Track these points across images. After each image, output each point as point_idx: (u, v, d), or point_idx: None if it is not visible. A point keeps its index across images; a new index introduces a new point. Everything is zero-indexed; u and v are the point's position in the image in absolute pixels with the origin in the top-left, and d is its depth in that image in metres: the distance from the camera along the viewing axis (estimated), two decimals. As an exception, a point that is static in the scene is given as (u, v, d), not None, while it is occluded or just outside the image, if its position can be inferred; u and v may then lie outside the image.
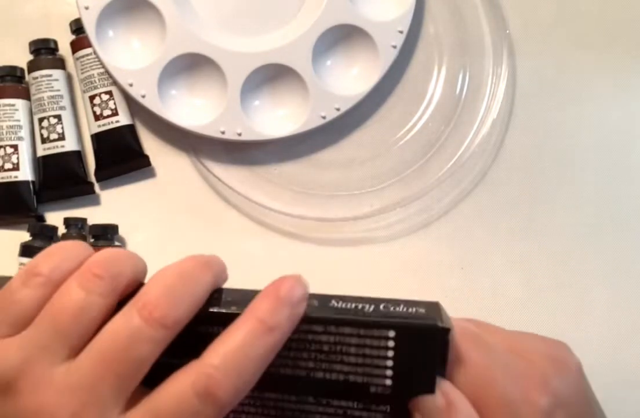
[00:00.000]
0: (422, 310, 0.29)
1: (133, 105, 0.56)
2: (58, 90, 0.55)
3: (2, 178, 0.54)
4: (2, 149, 0.54)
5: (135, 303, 0.26)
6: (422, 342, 0.28)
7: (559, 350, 0.33)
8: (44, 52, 0.56)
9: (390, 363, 0.28)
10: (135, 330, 0.26)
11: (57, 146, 0.55)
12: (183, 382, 0.25)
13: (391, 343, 0.28)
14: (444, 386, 0.28)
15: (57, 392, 0.26)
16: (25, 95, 0.55)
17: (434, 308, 0.29)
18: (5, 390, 0.26)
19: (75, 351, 0.26)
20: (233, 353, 0.26)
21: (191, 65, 0.55)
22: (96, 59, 0.55)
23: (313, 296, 0.29)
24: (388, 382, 0.29)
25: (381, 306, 0.29)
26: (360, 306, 0.29)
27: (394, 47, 0.56)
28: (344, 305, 0.29)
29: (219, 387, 0.25)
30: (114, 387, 0.26)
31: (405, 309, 0.29)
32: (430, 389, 0.28)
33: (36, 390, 0.26)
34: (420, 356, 0.28)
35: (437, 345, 0.28)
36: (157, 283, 0.27)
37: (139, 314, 0.26)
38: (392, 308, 0.29)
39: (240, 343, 0.26)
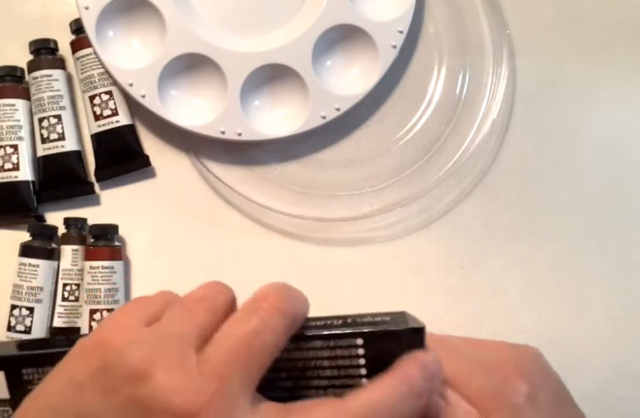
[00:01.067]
0: (387, 318, 0.30)
1: (133, 105, 0.56)
2: (58, 90, 0.55)
3: (2, 178, 0.54)
4: (2, 149, 0.54)
5: (255, 298, 0.28)
6: (390, 346, 0.29)
7: (513, 342, 0.35)
8: (44, 52, 0.56)
9: (363, 371, 0.29)
10: (259, 319, 0.27)
11: (57, 146, 0.55)
12: (319, 415, 0.26)
13: (361, 351, 0.29)
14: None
15: (191, 378, 0.26)
16: (25, 95, 0.55)
17: (400, 316, 0.30)
18: (140, 376, 0.26)
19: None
20: (378, 403, 0.27)
21: (191, 65, 0.55)
22: (96, 59, 0.55)
23: None
24: (364, 381, 0.30)
25: (348, 320, 0.30)
26: (329, 321, 0.30)
27: (394, 47, 0.56)
28: (313, 323, 0.30)
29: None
30: (243, 375, 0.26)
31: (371, 319, 0.30)
32: None
33: (171, 375, 0.26)
34: (391, 361, 0.29)
35: (404, 348, 0.29)
36: (269, 285, 0.29)
37: (260, 306, 0.28)
38: (358, 320, 0.30)
39: (387, 396, 0.27)
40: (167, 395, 0.25)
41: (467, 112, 0.58)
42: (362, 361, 0.29)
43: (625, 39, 0.60)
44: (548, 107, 0.59)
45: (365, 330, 0.29)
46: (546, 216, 0.58)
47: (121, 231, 0.55)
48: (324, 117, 0.55)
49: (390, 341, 0.29)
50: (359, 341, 0.29)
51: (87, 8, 0.53)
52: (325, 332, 0.30)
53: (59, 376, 0.28)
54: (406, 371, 0.28)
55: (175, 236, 0.57)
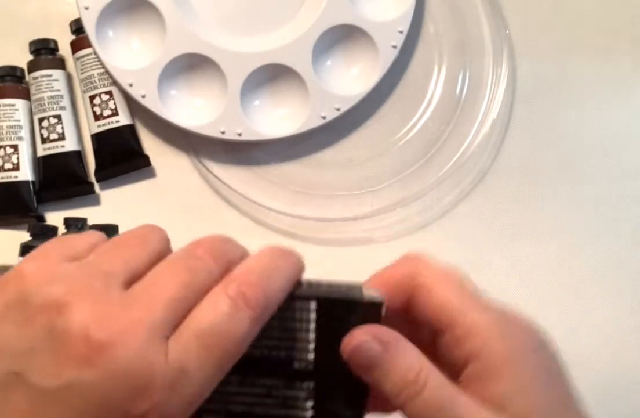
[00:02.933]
0: (344, 288, 0.29)
1: (133, 105, 0.56)
2: (58, 90, 0.55)
3: (2, 178, 0.54)
4: (2, 149, 0.54)
5: (190, 243, 0.28)
6: (344, 315, 0.28)
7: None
8: (44, 52, 0.56)
9: (312, 336, 0.28)
10: (192, 261, 0.28)
11: (57, 146, 0.55)
12: (216, 292, 0.26)
13: (313, 315, 0.28)
14: (374, 330, 0.28)
15: (109, 309, 0.25)
16: (25, 95, 0.55)
17: (357, 287, 0.30)
18: (57, 307, 0.25)
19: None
20: (260, 265, 0.27)
21: (191, 65, 0.55)
22: (96, 59, 0.55)
23: None
24: (311, 356, 0.29)
25: (304, 284, 0.29)
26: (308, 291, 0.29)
27: (394, 47, 0.56)
28: None
29: (250, 288, 0.26)
30: (166, 312, 0.26)
31: (328, 285, 0.30)
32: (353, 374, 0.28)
33: (89, 306, 0.25)
34: (343, 330, 0.28)
35: (358, 320, 0.28)
36: (207, 236, 0.28)
37: (194, 250, 0.28)
38: (314, 283, 0.30)
39: (263, 258, 0.28)
40: (83, 325, 0.24)
41: (467, 112, 0.58)
42: (312, 326, 0.28)
43: (625, 39, 0.60)
44: (548, 107, 0.59)
45: (322, 295, 0.29)
46: (546, 216, 0.58)
47: (121, 231, 0.55)
48: (324, 117, 0.55)
49: (346, 310, 0.28)
50: (313, 305, 0.29)
51: (87, 8, 0.53)
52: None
53: None
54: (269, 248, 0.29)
55: (175, 236, 0.56)
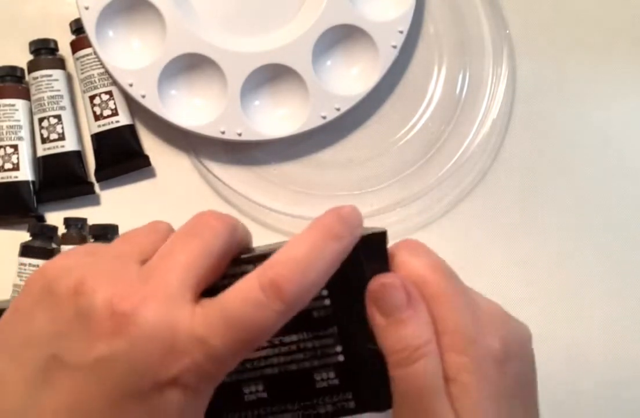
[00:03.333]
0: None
1: (133, 105, 0.56)
2: (58, 90, 0.55)
3: (2, 178, 0.54)
4: (2, 149, 0.54)
5: (192, 217, 0.28)
6: (351, 252, 0.28)
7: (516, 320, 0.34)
8: (44, 52, 0.56)
9: None
10: (200, 225, 0.29)
11: (57, 146, 0.55)
12: (250, 278, 0.26)
13: None
14: (405, 281, 0.29)
15: (128, 283, 0.27)
16: (25, 95, 0.55)
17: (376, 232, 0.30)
18: (79, 289, 0.26)
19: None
20: (298, 253, 0.27)
21: (191, 65, 0.55)
22: (96, 59, 0.55)
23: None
24: (327, 301, 0.29)
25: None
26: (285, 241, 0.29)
27: (394, 47, 0.56)
28: (271, 245, 0.30)
29: (284, 281, 0.26)
30: (182, 276, 0.27)
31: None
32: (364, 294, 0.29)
33: (109, 284, 0.26)
34: (352, 266, 0.28)
35: (364, 252, 0.29)
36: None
37: (199, 219, 0.29)
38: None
39: (305, 246, 0.27)
40: (106, 301, 0.26)
41: (467, 112, 0.58)
42: None
43: (625, 39, 0.60)
44: (548, 107, 0.59)
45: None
46: (546, 216, 0.58)
47: (121, 231, 0.55)
48: (324, 117, 0.55)
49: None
50: None
51: (87, 8, 0.53)
52: (257, 253, 0.29)
53: (7, 312, 0.28)
54: (320, 220, 0.28)
55: (175, 236, 0.57)
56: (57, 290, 0.27)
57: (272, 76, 0.56)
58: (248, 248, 0.31)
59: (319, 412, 0.30)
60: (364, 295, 0.29)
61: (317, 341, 0.29)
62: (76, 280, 0.27)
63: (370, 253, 0.29)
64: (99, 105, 0.55)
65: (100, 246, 0.30)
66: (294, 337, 0.29)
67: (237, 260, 0.29)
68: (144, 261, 0.28)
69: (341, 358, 0.29)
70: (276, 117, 0.56)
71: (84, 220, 0.55)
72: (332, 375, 0.29)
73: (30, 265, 0.52)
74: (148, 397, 0.25)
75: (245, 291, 0.26)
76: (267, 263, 0.27)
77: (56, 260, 0.29)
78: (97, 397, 0.25)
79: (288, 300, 0.26)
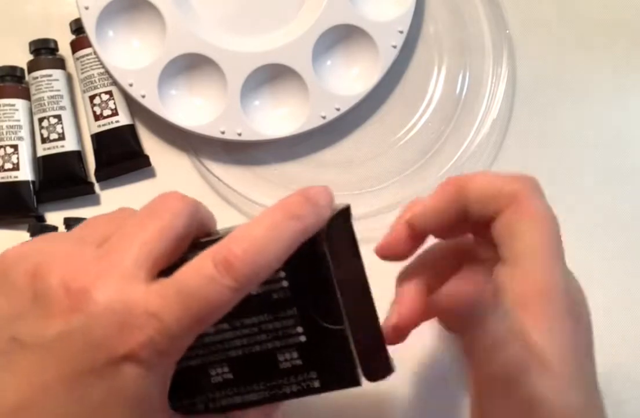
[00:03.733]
0: None
1: (133, 105, 0.56)
2: (58, 90, 0.55)
3: (2, 178, 0.54)
4: (2, 149, 0.54)
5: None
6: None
7: None
8: (44, 52, 0.56)
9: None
10: (156, 203, 0.29)
11: (57, 146, 0.55)
12: (205, 255, 0.27)
13: None
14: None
15: (83, 262, 0.27)
16: (25, 95, 0.55)
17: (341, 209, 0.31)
18: (37, 272, 0.27)
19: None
20: (255, 232, 0.27)
21: (191, 65, 0.55)
22: (96, 59, 0.55)
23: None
24: (285, 283, 0.29)
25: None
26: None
27: (394, 47, 0.56)
28: (234, 227, 0.30)
29: (237, 258, 0.26)
30: (136, 253, 0.27)
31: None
32: (329, 285, 0.29)
33: (65, 264, 0.27)
34: (310, 248, 0.29)
35: (323, 234, 0.29)
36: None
37: (159, 199, 0.29)
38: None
39: (264, 225, 0.27)
40: (61, 280, 0.26)
41: (467, 112, 0.58)
42: None
43: (625, 39, 0.60)
44: (548, 107, 0.59)
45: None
46: (546, 216, 0.58)
47: (121, 231, 0.55)
48: (324, 117, 0.55)
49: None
50: None
51: (87, 8, 0.53)
52: (217, 236, 0.30)
53: None
54: (284, 200, 0.29)
55: (175, 236, 0.57)
56: (14, 275, 0.27)
57: (272, 76, 0.56)
58: (211, 232, 0.31)
59: (284, 391, 0.30)
60: (324, 276, 0.29)
61: (278, 322, 0.30)
62: (33, 264, 0.27)
63: (333, 232, 0.29)
64: (99, 105, 0.55)
65: (59, 233, 0.31)
66: (255, 319, 0.30)
67: (197, 243, 0.30)
68: (101, 243, 0.28)
69: (303, 338, 0.30)
70: (276, 117, 0.56)
71: (84, 220, 0.55)
72: (295, 355, 0.30)
73: (30, 264, 0.52)
74: (105, 372, 0.26)
75: (198, 267, 0.26)
76: (223, 241, 0.27)
77: (14, 247, 0.30)
78: (56, 374, 0.26)
79: (240, 277, 0.26)
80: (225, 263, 0.26)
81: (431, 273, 0.36)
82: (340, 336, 0.29)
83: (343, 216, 0.30)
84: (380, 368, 0.32)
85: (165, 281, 0.27)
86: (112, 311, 0.26)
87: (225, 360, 0.30)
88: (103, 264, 0.27)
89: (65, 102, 0.55)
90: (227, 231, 0.29)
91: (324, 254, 0.29)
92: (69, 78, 0.57)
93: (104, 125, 0.55)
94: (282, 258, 0.27)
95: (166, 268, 0.28)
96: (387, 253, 0.37)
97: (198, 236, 0.31)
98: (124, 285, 0.26)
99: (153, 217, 0.29)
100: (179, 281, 0.26)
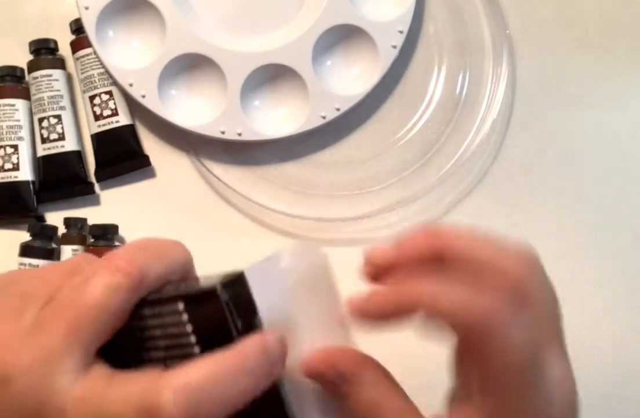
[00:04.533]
0: (216, 280, 0.27)
1: (133, 105, 0.56)
2: (58, 90, 0.55)
3: (2, 178, 0.54)
4: (2, 149, 0.54)
5: (103, 258, 0.26)
6: (211, 306, 0.26)
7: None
8: (44, 52, 0.56)
9: (193, 339, 0.27)
10: (94, 277, 0.26)
11: (57, 146, 0.55)
12: (133, 393, 0.24)
13: (185, 317, 0.27)
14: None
15: (16, 338, 0.25)
16: (25, 95, 0.55)
17: (234, 275, 0.27)
18: None
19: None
20: (194, 377, 0.24)
21: (191, 65, 0.55)
22: (96, 59, 0.55)
23: None
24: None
25: (182, 284, 0.28)
26: (167, 286, 0.27)
27: (394, 47, 0.56)
28: (173, 286, 0.28)
29: (164, 413, 0.23)
30: (69, 337, 0.25)
31: (202, 281, 0.28)
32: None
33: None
34: (216, 323, 0.26)
35: (228, 306, 0.26)
36: (130, 244, 0.27)
37: (102, 264, 0.26)
38: (190, 283, 0.28)
39: (209, 371, 0.24)
40: None
41: (467, 112, 0.58)
42: (189, 328, 0.26)
43: (625, 39, 0.60)
44: (548, 107, 0.59)
45: (182, 293, 0.27)
46: (546, 216, 0.58)
47: (121, 231, 0.55)
48: (324, 117, 0.55)
49: (209, 300, 0.26)
50: (180, 305, 0.26)
51: (87, 8, 0.53)
52: (151, 297, 0.27)
53: None
54: (240, 348, 0.25)
55: (175, 236, 0.56)
56: None
57: (272, 76, 0.56)
58: (171, 281, 0.28)
59: None
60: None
61: None
62: None
63: (206, 313, 0.26)
64: (99, 105, 0.55)
65: (12, 279, 0.28)
66: None
67: (144, 301, 0.27)
68: (50, 300, 0.26)
69: None
70: (276, 117, 0.56)
71: (84, 220, 0.55)
72: None
73: (30, 265, 0.52)
74: None
75: (122, 406, 0.24)
76: (161, 379, 0.24)
77: None
78: None
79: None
80: (150, 414, 0.23)
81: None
82: None
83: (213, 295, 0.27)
84: None
85: (91, 397, 0.24)
86: (26, 407, 0.24)
87: None
88: (31, 342, 0.25)
89: (65, 102, 0.55)
90: (188, 286, 0.27)
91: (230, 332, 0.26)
92: (69, 78, 0.57)
93: (104, 125, 0.55)
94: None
95: (107, 342, 0.26)
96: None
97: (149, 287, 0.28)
98: (46, 376, 0.24)
99: (86, 292, 0.26)
100: (99, 409, 0.24)
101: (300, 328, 0.29)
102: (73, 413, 0.24)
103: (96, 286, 0.25)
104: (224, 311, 0.26)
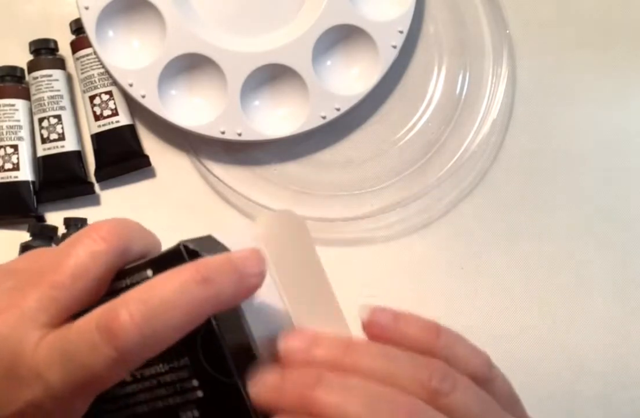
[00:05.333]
0: (190, 243, 0.26)
1: (133, 105, 0.56)
2: (58, 90, 0.55)
3: (2, 178, 0.54)
4: (2, 149, 0.54)
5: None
6: (175, 264, 0.25)
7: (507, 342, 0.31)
8: (44, 52, 0.56)
9: None
10: (76, 242, 0.26)
11: (57, 146, 0.55)
12: (93, 314, 0.24)
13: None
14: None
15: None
16: (25, 95, 0.55)
17: (205, 239, 0.27)
18: None
19: None
20: (151, 293, 0.23)
21: (191, 65, 0.55)
22: (96, 59, 0.55)
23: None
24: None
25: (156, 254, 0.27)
26: (142, 260, 0.27)
27: (394, 47, 0.56)
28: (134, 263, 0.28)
29: (121, 327, 0.23)
30: (41, 297, 0.25)
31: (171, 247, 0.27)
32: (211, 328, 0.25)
33: None
34: None
35: (185, 258, 0.26)
36: (114, 219, 0.27)
37: (84, 233, 0.26)
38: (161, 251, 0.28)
39: (165, 286, 0.23)
40: None
41: (467, 112, 0.58)
42: None
43: (624, 39, 0.60)
44: (548, 107, 0.59)
45: (148, 259, 0.26)
46: (546, 216, 0.58)
47: (121, 231, 0.55)
48: (324, 117, 0.55)
49: (176, 263, 0.25)
50: (149, 272, 0.26)
51: (87, 8, 0.53)
52: (126, 267, 0.27)
53: None
54: (202, 260, 0.24)
55: (175, 236, 0.56)
56: None
57: (272, 76, 0.56)
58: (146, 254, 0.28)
59: None
60: (208, 321, 0.25)
61: (174, 374, 0.26)
62: None
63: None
64: (99, 105, 0.55)
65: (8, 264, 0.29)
66: (152, 370, 0.27)
67: (120, 273, 0.27)
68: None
69: (200, 393, 0.26)
70: (276, 117, 0.56)
71: (84, 220, 0.55)
72: (196, 413, 0.26)
73: (30, 264, 0.52)
74: None
75: (82, 331, 0.24)
76: (116, 300, 0.24)
77: None
78: None
79: (122, 348, 0.23)
80: (108, 331, 0.23)
81: None
82: (235, 391, 0.25)
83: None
84: None
85: (57, 335, 0.24)
86: (2, 361, 0.25)
87: (133, 416, 0.28)
88: (10, 298, 0.26)
89: (65, 102, 0.55)
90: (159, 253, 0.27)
91: None
92: (69, 78, 0.57)
93: (104, 125, 0.55)
94: (180, 330, 0.23)
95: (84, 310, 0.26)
96: None
97: (129, 262, 0.27)
98: (18, 331, 0.25)
99: (68, 255, 0.26)
100: (65, 340, 0.24)
101: (275, 284, 0.28)
102: (41, 353, 0.24)
103: (79, 252, 0.26)
104: (183, 256, 0.26)
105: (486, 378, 0.26)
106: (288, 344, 0.25)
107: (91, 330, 0.23)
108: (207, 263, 0.24)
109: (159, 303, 0.23)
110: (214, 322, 0.25)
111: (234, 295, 0.24)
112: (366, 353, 0.25)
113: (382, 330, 0.26)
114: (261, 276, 0.25)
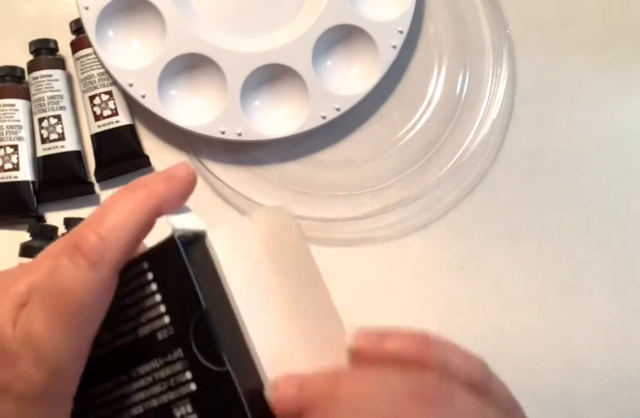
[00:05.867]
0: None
1: (133, 105, 0.56)
2: (58, 90, 0.55)
3: (2, 178, 0.54)
4: (2, 149, 0.54)
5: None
6: (173, 261, 0.26)
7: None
8: (44, 52, 0.56)
9: (159, 297, 0.27)
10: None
11: (57, 146, 0.55)
12: (58, 241, 0.26)
13: (150, 276, 0.27)
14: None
15: None
16: (25, 95, 0.55)
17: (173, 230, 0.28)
18: None
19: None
20: (100, 208, 0.26)
21: (191, 65, 0.55)
22: (96, 59, 0.55)
23: None
24: (166, 319, 0.27)
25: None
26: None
27: (394, 47, 0.56)
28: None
29: (81, 238, 0.25)
30: (14, 281, 0.26)
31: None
32: (198, 305, 0.26)
33: None
34: (178, 277, 0.26)
35: (182, 257, 0.26)
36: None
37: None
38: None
39: (109, 199, 0.26)
40: None
41: (467, 112, 0.58)
42: (154, 286, 0.27)
43: (624, 39, 0.60)
44: (548, 107, 0.59)
45: (147, 251, 0.27)
46: (546, 216, 0.58)
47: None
48: (324, 117, 0.55)
49: (172, 255, 0.26)
50: (145, 265, 0.27)
51: (87, 8, 0.53)
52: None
53: None
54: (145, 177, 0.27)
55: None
56: None
57: (272, 76, 0.56)
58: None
59: None
60: (200, 309, 0.26)
61: (168, 368, 0.27)
62: None
63: (203, 257, 0.27)
64: (99, 105, 0.55)
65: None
66: (147, 367, 0.27)
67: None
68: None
69: (193, 386, 0.26)
70: (276, 117, 0.56)
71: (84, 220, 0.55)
72: (189, 408, 0.26)
73: (30, 264, 0.52)
74: None
75: (52, 266, 0.25)
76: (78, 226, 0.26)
77: None
78: None
79: (89, 251, 0.25)
80: (72, 246, 0.25)
81: None
82: (227, 380, 0.25)
83: (200, 239, 0.28)
84: None
85: (31, 295, 0.25)
86: None
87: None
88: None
89: (65, 102, 0.55)
90: None
91: (193, 286, 0.26)
92: (69, 78, 0.57)
93: (104, 125, 0.55)
94: (134, 227, 0.26)
95: None
96: None
97: None
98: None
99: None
100: (38, 288, 0.25)
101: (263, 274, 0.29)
102: (24, 320, 0.25)
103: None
104: (177, 247, 0.26)
105: (482, 384, 0.26)
106: (279, 391, 0.26)
107: (58, 258, 0.25)
108: (142, 177, 0.27)
109: (100, 213, 0.26)
110: (205, 308, 0.26)
111: (167, 193, 0.28)
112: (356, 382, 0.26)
113: (371, 353, 0.27)
114: (189, 181, 0.30)
